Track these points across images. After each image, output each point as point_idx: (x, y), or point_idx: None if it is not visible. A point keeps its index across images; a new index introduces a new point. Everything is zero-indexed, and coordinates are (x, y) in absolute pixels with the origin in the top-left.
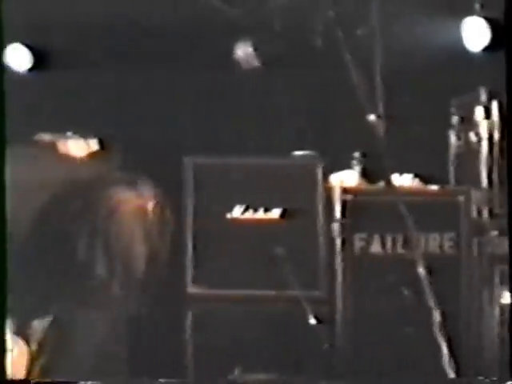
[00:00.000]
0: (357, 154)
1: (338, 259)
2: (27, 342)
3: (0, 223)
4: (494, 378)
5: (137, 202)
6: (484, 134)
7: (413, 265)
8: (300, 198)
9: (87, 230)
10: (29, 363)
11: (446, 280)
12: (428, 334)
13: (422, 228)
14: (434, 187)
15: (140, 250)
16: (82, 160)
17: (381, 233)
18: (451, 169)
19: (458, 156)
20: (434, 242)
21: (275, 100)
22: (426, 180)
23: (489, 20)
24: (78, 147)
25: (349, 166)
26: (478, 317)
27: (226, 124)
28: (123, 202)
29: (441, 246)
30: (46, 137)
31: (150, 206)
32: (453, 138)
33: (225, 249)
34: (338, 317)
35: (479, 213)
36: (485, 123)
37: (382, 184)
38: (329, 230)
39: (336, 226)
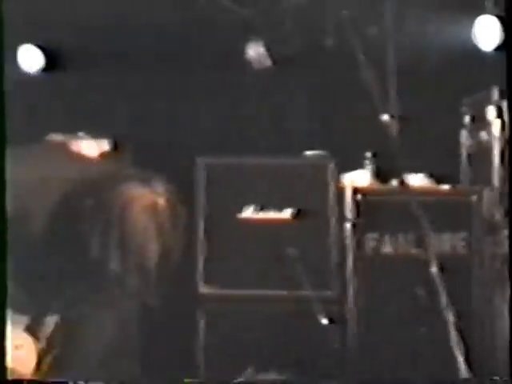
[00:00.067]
0: (369, 154)
1: (350, 259)
2: (37, 338)
3: (0, 223)
4: (507, 378)
5: (149, 201)
6: (496, 133)
7: (425, 265)
8: (312, 198)
9: (100, 228)
10: (41, 360)
11: (459, 280)
12: (441, 333)
13: (435, 228)
14: (446, 187)
15: (152, 251)
16: (94, 159)
17: (393, 233)
18: (463, 168)
19: (470, 155)
20: (447, 241)
21: (287, 100)
22: (438, 180)
23: (501, 19)
24: (89, 147)
25: (361, 166)
26: (491, 316)
27: (238, 124)
28: (135, 201)
29: (453, 246)
30: (57, 137)
31: (163, 205)
32: (465, 138)
33: (236, 249)
34: (350, 317)
35: (491, 212)
36: (497, 122)
37: (394, 184)
38: (341, 230)
39: (348, 226)
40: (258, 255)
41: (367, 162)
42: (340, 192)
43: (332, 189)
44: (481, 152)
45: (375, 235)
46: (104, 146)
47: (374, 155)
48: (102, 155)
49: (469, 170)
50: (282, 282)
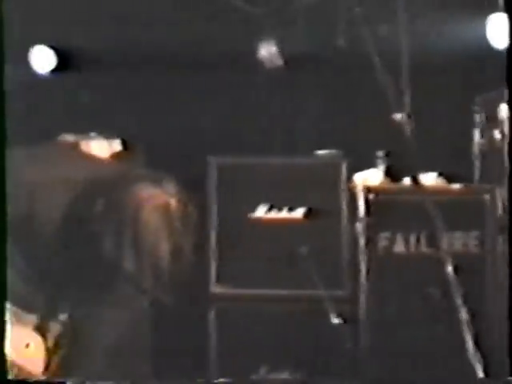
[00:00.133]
0: (380, 153)
1: (362, 258)
2: (46, 338)
3: (0, 223)
4: None
5: (161, 201)
6: (507, 132)
7: (437, 264)
8: (324, 198)
9: (112, 228)
10: (50, 359)
11: (472, 278)
12: (454, 333)
13: (447, 227)
14: (459, 186)
15: (164, 251)
16: (105, 159)
17: (405, 232)
18: (476, 167)
19: (483, 154)
20: (459, 240)
21: (299, 99)
22: (450, 178)
23: None
24: (101, 147)
25: (373, 165)
26: (505, 315)
27: (250, 123)
28: (147, 201)
29: (465, 245)
30: (69, 137)
31: (174, 205)
32: (477, 136)
33: (248, 248)
34: (362, 316)
35: (504, 211)
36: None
37: (405, 183)
38: (352, 230)
39: (360, 225)
40: (270, 255)
41: (379, 160)
42: (352, 191)
43: (344, 188)
44: (493, 151)
45: (387, 234)
46: (116, 146)
47: (387, 154)
48: (113, 156)
49: (481, 168)
50: (294, 282)
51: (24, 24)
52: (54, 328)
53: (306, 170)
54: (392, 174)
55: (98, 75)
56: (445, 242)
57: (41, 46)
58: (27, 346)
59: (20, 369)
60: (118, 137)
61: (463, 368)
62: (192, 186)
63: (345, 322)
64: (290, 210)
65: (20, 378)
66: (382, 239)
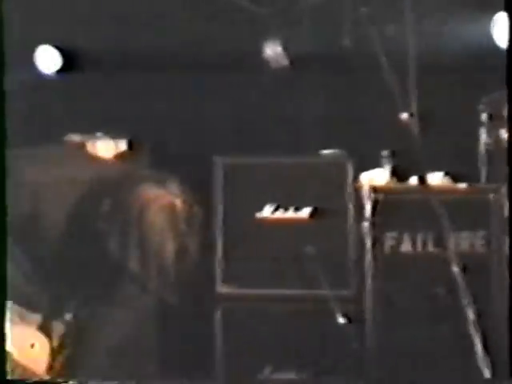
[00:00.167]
0: (387, 153)
1: (368, 258)
2: (50, 337)
3: (0, 223)
4: None
5: (166, 202)
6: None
7: (443, 263)
8: (330, 197)
9: (117, 228)
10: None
11: (478, 278)
12: (461, 332)
13: (453, 226)
14: (465, 185)
15: (169, 251)
16: (110, 160)
17: (411, 231)
18: (481, 166)
19: (489, 153)
20: (465, 240)
21: (305, 99)
22: (456, 178)
23: None
24: (107, 148)
25: (379, 165)
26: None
27: (256, 123)
28: (153, 202)
29: (472, 245)
30: (75, 137)
31: (180, 206)
32: (483, 136)
33: (254, 248)
34: (368, 316)
35: (510, 210)
36: None
37: (412, 182)
38: (359, 229)
39: (366, 225)
40: (276, 255)
41: (385, 160)
42: (358, 191)
43: (350, 187)
44: (499, 150)
45: (394, 234)
46: (121, 146)
47: (392, 154)
48: (119, 156)
49: (487, 168)
50: (300, 282)
51: (24, 24)
52: (59, 328)
53: (312, 170)
54: (398, 174)
55: (103, 76)
56: (451, 241)
57: (46, 46)
58: (32, 346)
59: (24, 369)
60: (123, 137)
61: (470, 368)
62: (198, 186)
63: (350, 321)
64: (296, 209)
65: (24, 378)
66: (389, 239)
